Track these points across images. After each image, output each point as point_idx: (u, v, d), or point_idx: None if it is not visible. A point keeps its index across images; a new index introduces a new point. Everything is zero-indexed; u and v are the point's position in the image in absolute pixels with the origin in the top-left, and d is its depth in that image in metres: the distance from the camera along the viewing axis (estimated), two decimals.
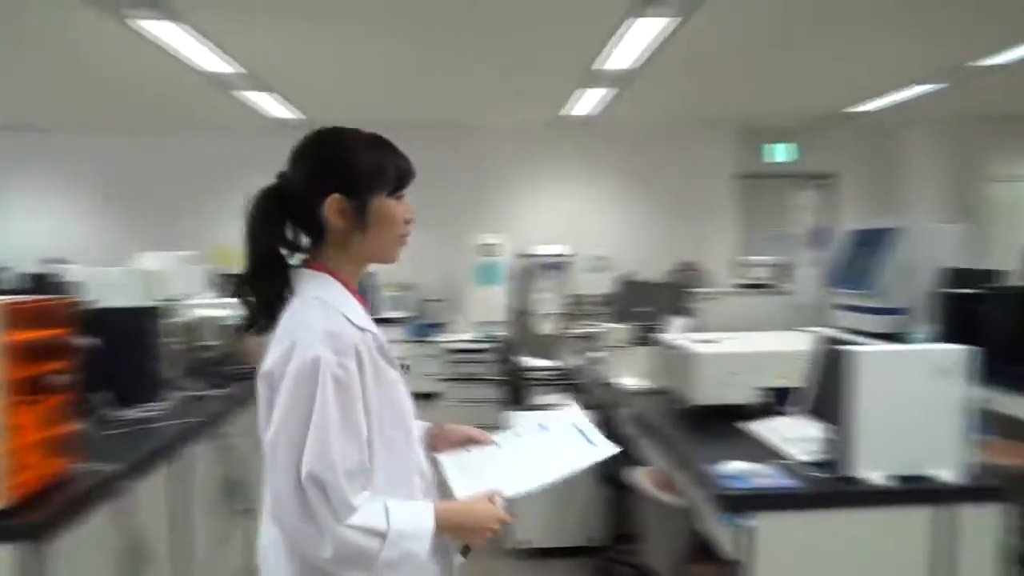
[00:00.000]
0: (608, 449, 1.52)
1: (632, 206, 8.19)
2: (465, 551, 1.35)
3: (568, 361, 4.11)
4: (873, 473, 1.95)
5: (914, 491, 1.93)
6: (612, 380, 3.32)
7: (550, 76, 5.82)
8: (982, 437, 2.16)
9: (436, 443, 1.52)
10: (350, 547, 1.18)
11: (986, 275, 4.19)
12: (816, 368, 2.45)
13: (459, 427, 1.55)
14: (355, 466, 1.21)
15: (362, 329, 1.28)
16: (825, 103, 7.08)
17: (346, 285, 1.34)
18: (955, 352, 1.97)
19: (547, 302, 6.46)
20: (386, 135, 1.39)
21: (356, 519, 1.18)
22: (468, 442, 1.53)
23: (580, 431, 1.57)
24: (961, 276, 4.37)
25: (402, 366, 1.37)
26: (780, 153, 8.34)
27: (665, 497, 2.36)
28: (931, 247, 4.77)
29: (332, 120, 1.42)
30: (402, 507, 1.25)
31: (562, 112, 7.10)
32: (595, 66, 5.39)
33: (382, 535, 1.19)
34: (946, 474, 1.95)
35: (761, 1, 4.24)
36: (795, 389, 2.49)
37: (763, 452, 2.22)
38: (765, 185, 8.42)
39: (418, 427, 1.45)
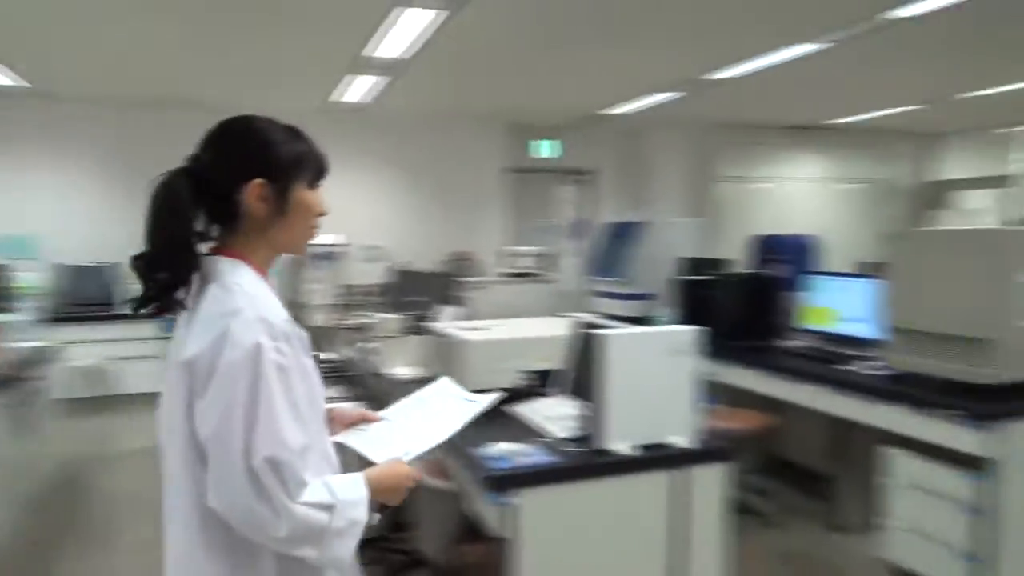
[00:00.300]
0: (487, 400, 1.66)
1: (406, 196, 8.20)
2: (381, 509, 1.39)
3: (341, 353, 4.03)
4: (621, 444, 2.14)
5: (655, 458, 2.15)
6: (385, 370, 3.31)
7: (318, 60, 5.63)
8: (711, 406, 2.46)
9: (332, 426, 1.50)
10: (304, 523, 1.20)
11: (717, 263, 4.77)
12: (573, 351, 2.63)
13: (350, 409, 1.60)
14: (303, 446, 1.23)
15: (283, 320, 1.27)
16: (585, 104, 7.60)
17: (259, 273, 1.33)
18: (687, 332, 2.22)
19: (319, 293, 6.28)
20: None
21: (306, 496, 1.20)
22: (361, 421, 1.57)
23: (455, 394, 1.73)
24: (697, 264, 4.95)
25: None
26: (545, 149, 8.81)
27: (436, 483, 2.40)
28: (672, 239, 5.35)
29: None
30: (340, 479, 1.31)
31: (332, 98, 6.90)
32: (364, 53, 5.30)
33: (330, 507, 1.23)
34: (681, 440, 2.20)
35: (525, 2, 4.43)
36: (556, 371, 2.66)
37: (526, 432, 2.34)
38: (531, 179, 8.86)
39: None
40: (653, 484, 2.16)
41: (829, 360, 3.67)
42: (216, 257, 1.30)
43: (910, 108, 8.07)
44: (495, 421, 2.51)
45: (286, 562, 1.26)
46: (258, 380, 1.18)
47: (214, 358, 1.19)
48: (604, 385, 2.12)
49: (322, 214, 1.39)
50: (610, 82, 6.62)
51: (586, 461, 2.12)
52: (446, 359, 2.90)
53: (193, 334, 1.23)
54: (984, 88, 7.12)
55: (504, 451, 2.13)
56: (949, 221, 9.82)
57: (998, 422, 2.69)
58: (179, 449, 1.25)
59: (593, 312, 5.56)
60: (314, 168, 1.37)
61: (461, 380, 2.63)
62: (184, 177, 1.26)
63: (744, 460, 4.57)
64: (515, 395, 2.64)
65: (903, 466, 3.06)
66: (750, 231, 8.76)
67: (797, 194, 9.41)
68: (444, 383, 1.81)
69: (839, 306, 3.84)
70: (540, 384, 2.72)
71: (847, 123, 9.00)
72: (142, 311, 1.26)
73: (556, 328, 2.91)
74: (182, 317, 1.28)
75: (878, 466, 3.17)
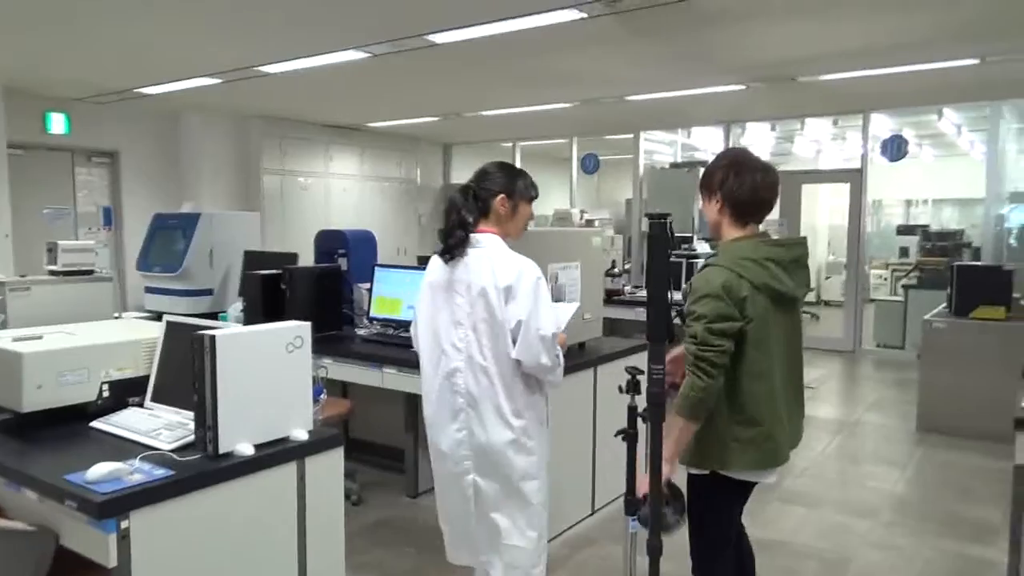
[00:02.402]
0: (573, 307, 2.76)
1: None
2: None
3: None
4: (241, 445, 2.08)
5: (278, 453, 2.15)
6: None
7: None
8: (319, 396, 2.54)
9: None
10: (557, 363, 2.37)
11: (282, 257, 4.79)
12: (167, 353, 2.43)
13: None
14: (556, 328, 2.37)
15: None
16: (111, 80, 6.77)
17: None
18: (302, 328, 2.26)
19: None
20: None
21: (559, 350, 2.39)
22: None
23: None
24: (262, 258, 4.90)
25: None
26: (55, 124, 7.57)
27: (5, 525, 1.98)
28: (228, 231, 5.17)
29: None
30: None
31: None
32: None
33: (559, 357, 2.40)
34: (300, 433, 2.23)
35: None
36: (142, 378, 2.42)
37: (126, 448, 2.09)
38: (40, 158, 7.54)
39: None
40: (278, 480, 2.15)
41: (397, 343, 4.04)
42: (481, 233, 2.41)
43: (431, 119, 9.18)
44: (78, 441, 2.19)
45: (540, 385, 2.43)
46: (542, 294, 2.32)
47: (519, 282, 2.30)
48: (217, 387, 2.03)
49: (532, 217, 2.59)
50: (141, 59, 6.04)
51: (203, 468, 2.00)
52: None
53: (500, 271, 2.33)
54: (487, 109, 8.53)
55: (104, 473, 1.88)
56: None
57: None
58: (488, 329, 2.34)
59: (151, 310, 5.10)
60: (529, 194, 2.53)
61: (15, 401, 2.25)
62: (468, 190, 2.47)
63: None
64: (99, 410, 2.33)
65: None
66: (297, 223, 9.02)
67: (338, 189, 9.87)
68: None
69: (403, 295, 4.24)
70: (127, 393, 2.44)
71: (382, 127, 9.80)
72: (445, 256, 2.41)
73: (130, 330, 2.63)
74: (455, 262, 2.41)
75: None
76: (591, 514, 3.86)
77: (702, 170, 8.82)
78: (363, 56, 5.69)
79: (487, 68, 6.38)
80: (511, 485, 2.39)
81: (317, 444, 2.27)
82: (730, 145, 9.41)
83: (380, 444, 4.64)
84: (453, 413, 2.41)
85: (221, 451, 2.05)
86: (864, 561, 3.42)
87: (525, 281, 2.30)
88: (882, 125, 8.68)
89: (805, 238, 2.28)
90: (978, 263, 5.83)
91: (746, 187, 2.12)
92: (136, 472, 1.92)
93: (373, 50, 5.53)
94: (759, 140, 10.69)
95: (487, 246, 2.38)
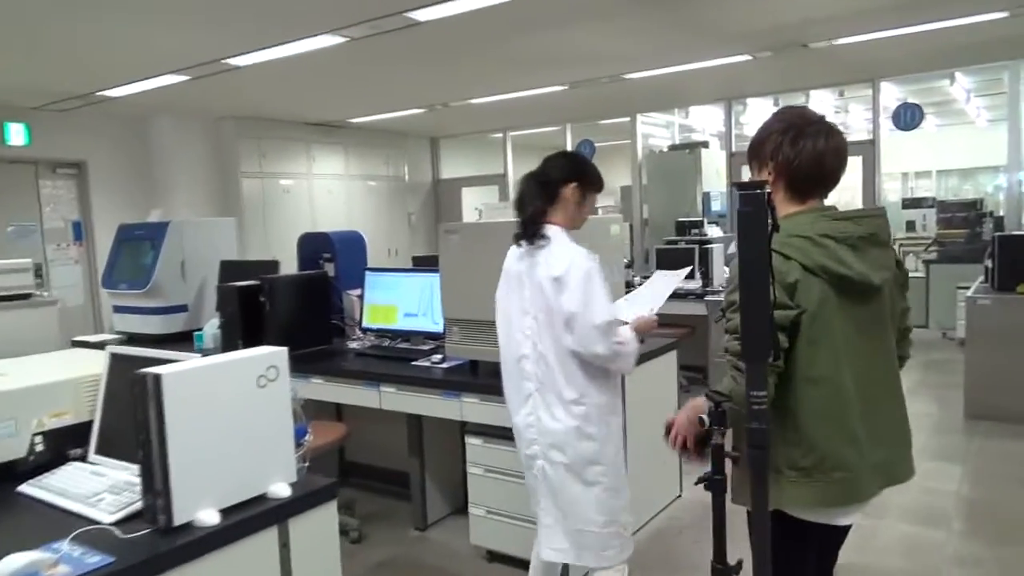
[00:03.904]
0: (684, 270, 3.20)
1: None
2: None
3: None
4: (203, 512, 1.62)
5: (253, 518, 1.68)
6: None
7: None
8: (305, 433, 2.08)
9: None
10: (613, 350, 2.35)
11: (262, 266, 4.32)
12: (112, 394, 1.97)
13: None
14: (612, 315, 2.36)
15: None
16: (70, 84, 6.26)
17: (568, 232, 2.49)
18: (276, 355, 1.79)
19: None
20: None
21: (619, 337, 2.36)
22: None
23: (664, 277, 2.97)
24: (239, 268, 4.42)
25: None
26: (13, 135, 7.05)
27: None
28: (202, 241, 4.69)
29: None
30: (624, 330, 2.41)
31: None
32: None
33: (622, 343, 2.37)
34: (281, 488, 1.77)
35: None
36: (86, 424, 1.95)
37: (55, 523, 1.62)
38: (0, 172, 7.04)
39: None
40: (255, 553, 1.68)
41: (394, 357, 3.59)
42: (550, 225, 2.44)
43: (417, 111, 8.69)
44: (6, 515, 1.73)
45: (604, 372, 2.44)
46: (596, 283, 2.33)
47: (568, 274, 2.33)
48: (168, 441, 1.57)
49: (595, 209, 2.64)
50: (105, 61, 5.55)
51: (154, 549, 1.54)
52: None
53: (550, 263, 2.37)
54: (475, 97, 8.05)
55: (18, 569, 1.41)
56: (490, 215, 10.91)
57: None
58: (547, 318, 2.40)
59: (120, 332, 4.61)
60: (597, 184, 2.55)
61: None
62: (537, 176, 2.49)
63: (323, 475, 4.28)
64: (32, 468, 1.86)
65: (479, 453, 3.12)
66: (280, 229, 8.53)
67: (323, 191, 9.38)
68: (658, 275, 2.90)
69: (399, 302, 3.78)
70: (62, 447, 1.97)
71: (366, 122, 9.30)
72: (519, 245, 2.47)
73: (73, 365, 2.16)
74: (524, 250, 2.47)
75: (462, 456, 3.19)
76: None
77: (702, 150, 8.33)
78: (340, 41, 5.21)
79: (473, 50, 5.91)
80: (575, 470, 2.44)
81: (304, 501, 1.80)
82: (732, 123, 8.96)
83: (382, 468, 4.17)
84: (523, 397, 2.51)
85: (177, 523, 1.58)
86: None
87: (575, 271, 2.33)
88: (888, 94, 8.25)
89: (883, 208, 1.81)
90: (1022, 233, 5.43)
91: (806, 155, 1.66)
92: (62, 562, 1.45)
93: (350, 33, 5.05)
94: (761, 117, 10.25)
95: (551, 237, 2.42)
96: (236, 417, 1.69)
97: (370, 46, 5.38)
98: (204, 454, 1.62)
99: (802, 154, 1.65)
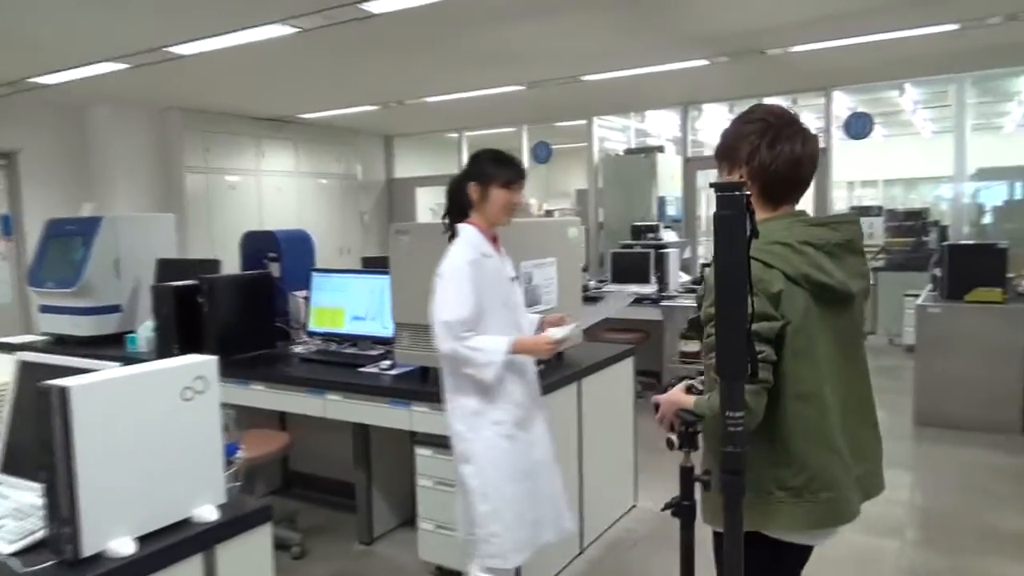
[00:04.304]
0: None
1: None
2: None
3: None
4: (116, 541, 1.45)
5: (174, 546, 1.52)
6: None
7: None
8: (236, 449, 1.92)
9: (544, 325, 2.58)
10: (464, 354, 2.32)
11: (202, 265, 4.10)
12: (20, 406, 1.78)
13: (552, 315, 2.63)
14: (463, 317, 2.32)
15: (485, 255, 2.41)
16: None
17: (483, 231, 2.45)
18: (204, 365, 1.63)
19: None
20: None
21: (469, 341, 2.33)
22: (559, 322, 2.54)
23: None
24: (177, 267, 4.19)
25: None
26: None
27: None
28: (139, 238, 4.43)
29: None
30: (488, 339, 2.35)
31: None
32: None
33: (475, 348, 2.32)
34: (207, 512, 1.61)
35: None
36: None
37: None
38: None
39: (535, 318, 2.65)
40: None
41: (340, 363, 3.42)
42: (464, 224, 2.46)
43: (371, 108, 8.48)
44: None
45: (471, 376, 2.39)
46: (452, 280, 2.34)
47: (442, 268, 2.37)
48: (76, 462, 1.40)
49: (517, 204, 2.50)
50: (37, 45, 5.23)
51: None
52: None
53: (442, 260, 2.39)
54: (430, 95, 7.89)
55: None
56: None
57: None
58: None
59: (47, 333, 4.32)
60: (506, 177, 2.44)
61: None
62: (458, 179, 2.50)
63: (264, 486, 4.09)
64: None
65: (430, 465, 2.98)
66: (226, 226, 8.22)
67: (271, 188, 9.09)
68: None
69: (346, 305, 3.61)
70: None
71: (317, 118, 9.05)
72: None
73: None
74: None
75: (411, 466, 3.04)
76: (579, 554, 3.30)
77: (657, 155, 8.29)
78: (291, 31, 5.00)
79: (429, 45, 5.75)
80: (454, 467, 2.50)
81: (233, 524, 1.65)
82: (688, 129, 8.98)
83: (326, 478, 3.99)
84: None
85: (85, 553, 1.41)
86: None
87: (446, 267, 2.36)
88: (838, 103, 8.36)
89: (857, 215, 1.74)
90: (971, 242, 5.51)
91: (783, 159, 1.57)
92: None
93: (301, 24, 4.84)
94: (716, 122, 10.32)
95: (458, 236, 2.44)
96: (157, 434, 1.53)
97: (322, 38, 5.18)
98: (119, 476, 1.46)
99: (779, 158, 1.56)
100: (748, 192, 1.16)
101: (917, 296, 5.65)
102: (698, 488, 1.52)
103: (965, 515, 3.66)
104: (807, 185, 1.62)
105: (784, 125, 1.58)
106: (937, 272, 5.32)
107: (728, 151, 1.63)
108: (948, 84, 7.83)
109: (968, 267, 4.96)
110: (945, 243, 5.35)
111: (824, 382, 1.55)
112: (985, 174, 7.90)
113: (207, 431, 1.63)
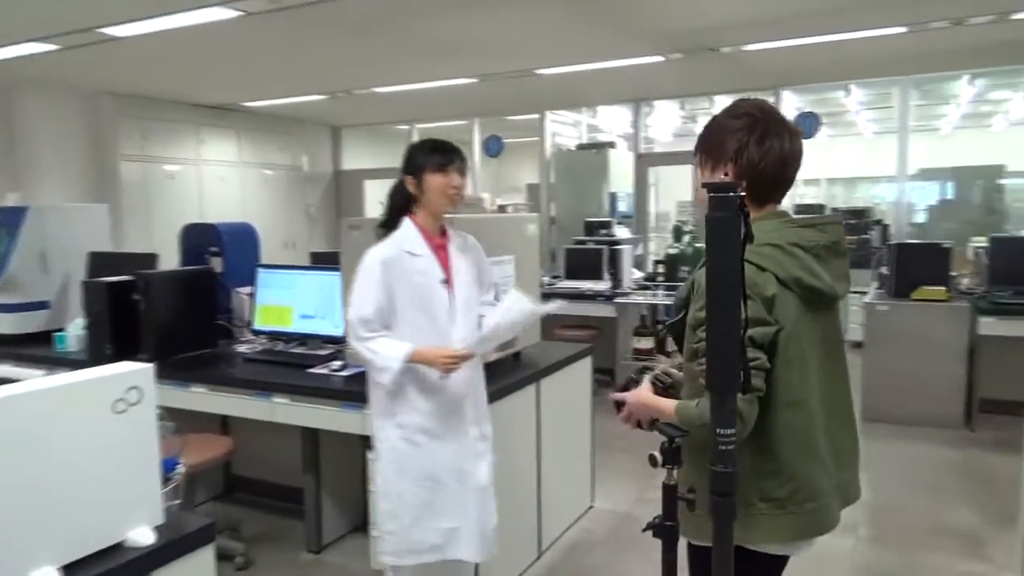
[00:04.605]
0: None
1: None
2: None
3: None
4: (38, 571, 1.30)
5: (108, 573, 1.37)
6: None
7: None
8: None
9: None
10: (362, 352, 2.30)
11: (138, 259, 3.87)
12: None
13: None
14: (365, 317, 2.29)
15: (412, 253, 2.33)
16: None
17: (421, 226, 2.36)
18: (139, 374, 1.48)
19: None
20: None
21: (369, 342, 2.29)
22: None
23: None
24: (112, 261, 3.95)
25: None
26: None
27: None
28: (69, 229, 4.17)
29: None
30: (389, 343, 2.28)
31: None
32: None
33: (372, 351, 2.28)
34: (142, 534, 1.46)
35: None
36: None
37: None
38: None
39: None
40: None
41: (288, 363, 3.26)
42: (405, 218, 2.39)
43: (318, 98, 8.24)
44: None
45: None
46: (359, 275, 2.31)
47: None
48: None
49: (456, 187, 2.35)
50: None
51: None
52: None
53: None
54: (379, 86, 7.69)
55: None
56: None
57: None
58: None
59: None
60: (427, 165, 2.32)
61: None
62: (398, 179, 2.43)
63: (205, 492, 3.90)
64: None
65: None
66: (165, 218, 7.87)
67: (213, 178, 8.75)
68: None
69: (294, 302, 3.45)
70: None
71: (261, 107, 8.75)
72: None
73: None
74: None
75: (362, 469, 2.91)
76: (538, 558, 3.22)
77: (609, 151, 8.23)
78: (233, 15, 4.75)
79: (379, 34, 5.57)
80: None
81: (172, 548, 1.51)
82: (639, 125, 8.99)
83: (273, 483, 3.82)
84: None
85: None
86: None
87: (360, 263, 2.35)
88: (787, 104, 8.48)
89: (839, 215, 1.69)
90: (917, 242, 5.63)
91: (772, 157, 1.50)
92: None
93: (245, 7, 4.61)
94: (666, 119, 10.38)
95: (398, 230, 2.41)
96: (85, 451, 1.38)
97: (267, 23, 4.96)
98: (38, 498, 1.30)
99: (768, 156, 1.49)
100: (743, 193, 1.08)
101: (863, 294, 5.75)
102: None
103: (915, 510, 3.72)
104: (791, 184, 1.56)
105: (772, 121, 1.51)
106: (884, 270, 5.41)
107: (712, 147, 1.55)
108: (892, 86, 7.99)
109: (914, 266, 5.05)
110: (890, 242, 5.44)
111: (812, 388, 1.50)
112: (926, 174, 8.11)
113: (142, 446, 1.49)
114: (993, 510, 3.67)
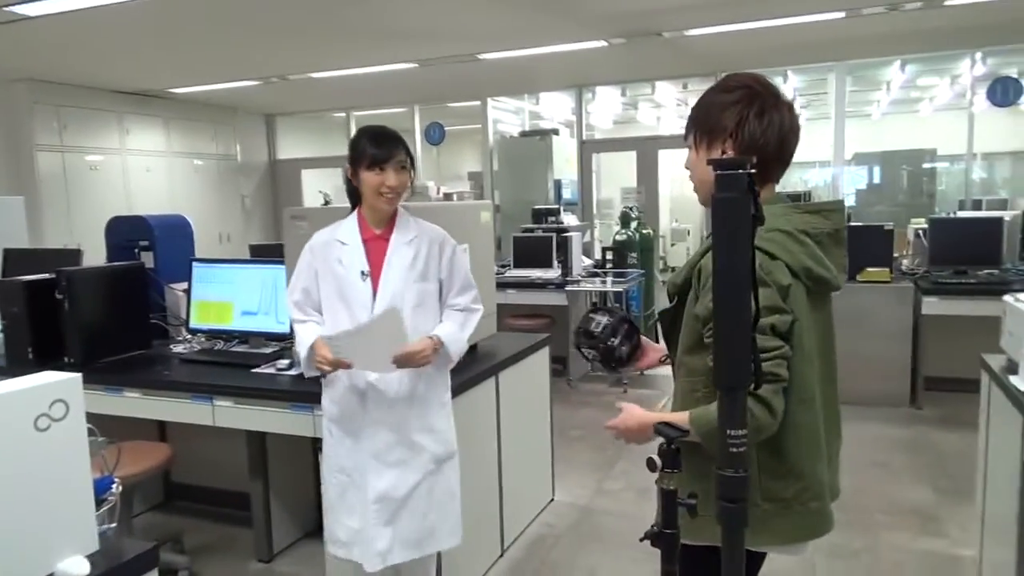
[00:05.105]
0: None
1: None
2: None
3: None
4: None
5: None
6: None
7: None
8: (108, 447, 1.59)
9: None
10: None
11: (59, 255, 3.59)
12: None
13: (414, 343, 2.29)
14: (293, 298, 2.33)
15: (341, 242, 2.27)
16: None
17: (362, 218, 2.30)
18: (64, 385, 1.29)
19: None
20: None
21: (296, 326, 2.33)
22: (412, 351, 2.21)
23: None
24: (28, 258, 3.66)
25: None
26: None
27: None
28: None
29: None
30: (306, 328, 2.28)
31: None
32: None
33: (297, 335, 2.30)
34: (75, 565, 1.29)
35: None
36: None
37: None
38: None
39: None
40: None
41: (230, 363, 3.06)
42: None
43: (250, 84, 7.90)
44: None
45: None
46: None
47: None
48: None
49: (389, 185, 2.19)
50: None
51: None
52: None
53: None
54: (315, 71, 7.42)
55: None
56: (342, 199, 10.12)
57: None
58: None
59: None
60: (370, 157, 2.18)
61: None
62: None
63: (143, 503, 3.65)
64: None
65: None
66: (88, 212, 7.43)
67: (139, 168, 8.31)
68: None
69: (234, 298, 3.24)
70: None
71: (190, 93, 8.34)
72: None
73: None
74: None
75: (314, 471, 2.74)
76: (501, 556, 3.12)
77: (552, 138, 8.16)
78: None
79: (314, 17, 5.33)
80: None
81: (116, 573, 1.33)
82: (582, 111, 8.93)
83: (217, 489, 3.61)
84: None
85: None
86: None
87: None
88: None
89: (842, 202, 1.61)
90: (861, 224, 5.74)
91: (773, 132, 1.40)
92: None
93: None
94: (608, 105, 10.35)
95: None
96: (3, 474, 1.20)
97: (194, 3, 4.69)
98: None
99: (769, 131, 1.39)
100: (753, 170, 0.98)
101: None
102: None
103: (870, 490, 3.76)
104: (790, 162, 1.47)
105: (770, 94, 1.41)
106: None
107: (708, 123, 1.43)
108: (827, 72, 8.14)
109: (858, 248, 5.12)
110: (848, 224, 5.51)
111: (817, 383, 1.43)
112: (859, 159, 8.30)
113: (71, 466, 1.31)
114: (945, 486, 3.75)
